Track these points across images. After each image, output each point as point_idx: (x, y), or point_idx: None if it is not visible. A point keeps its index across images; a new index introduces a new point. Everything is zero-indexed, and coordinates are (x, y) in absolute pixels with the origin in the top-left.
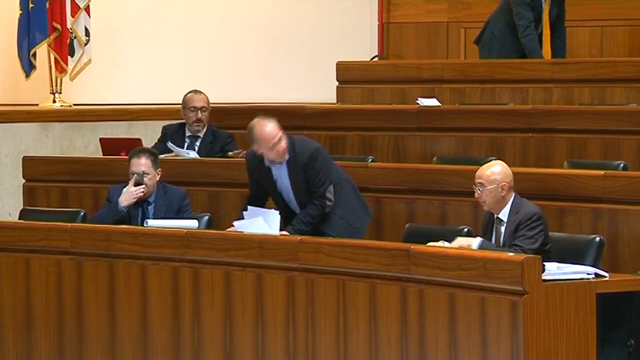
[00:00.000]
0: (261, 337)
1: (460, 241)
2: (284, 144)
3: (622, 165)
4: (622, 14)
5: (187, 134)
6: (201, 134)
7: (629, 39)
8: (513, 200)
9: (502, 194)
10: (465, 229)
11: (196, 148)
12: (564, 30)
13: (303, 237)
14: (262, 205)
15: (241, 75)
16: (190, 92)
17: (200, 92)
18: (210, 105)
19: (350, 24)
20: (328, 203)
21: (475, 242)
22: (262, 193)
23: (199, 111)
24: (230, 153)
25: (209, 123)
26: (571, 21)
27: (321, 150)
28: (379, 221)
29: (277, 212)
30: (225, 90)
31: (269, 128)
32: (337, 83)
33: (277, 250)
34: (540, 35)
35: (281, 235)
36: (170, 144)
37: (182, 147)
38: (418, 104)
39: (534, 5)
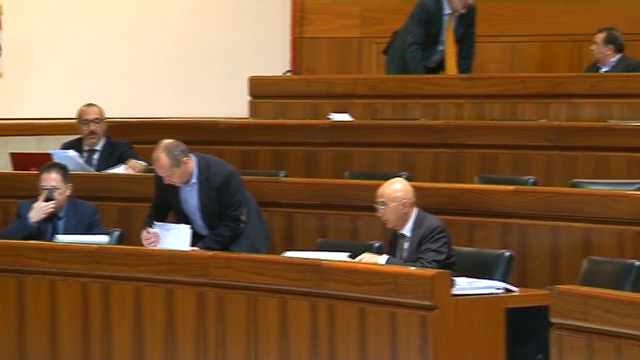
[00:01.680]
0: (172, 353)
1: (366, 258)
2: (185, 168)
3: (531, 180)
4: (532, 30)
5: (85, 148)
6: (98, 147)
7: (539, 55)
8: (416, 215)
9: (404, 211)
10: (377, 244)
11: (94, 162)
12: (470, 50)
13: (213, 252)
14: (165, 214)
15: (153, 89)
16: (83, 105)
17: (93, 104)
18: (123, 120)
19: (263, 38)
20: (241, 225)
21: (381, 259)
22: (167, 205)
23: (92, 123)
24: (129, 163)
25: (106, 134)
26: (482, 37)
27: (235, 174)
28: (291, 236)
29: (188, 227)
30: (136, 105)
31: (161, 159)
32: (250, 98)
33: (187, 266)
34: (441, 53)
35: (192, 250)
36: (72, 153)
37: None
38: (330, 119)
39: (431, 23)
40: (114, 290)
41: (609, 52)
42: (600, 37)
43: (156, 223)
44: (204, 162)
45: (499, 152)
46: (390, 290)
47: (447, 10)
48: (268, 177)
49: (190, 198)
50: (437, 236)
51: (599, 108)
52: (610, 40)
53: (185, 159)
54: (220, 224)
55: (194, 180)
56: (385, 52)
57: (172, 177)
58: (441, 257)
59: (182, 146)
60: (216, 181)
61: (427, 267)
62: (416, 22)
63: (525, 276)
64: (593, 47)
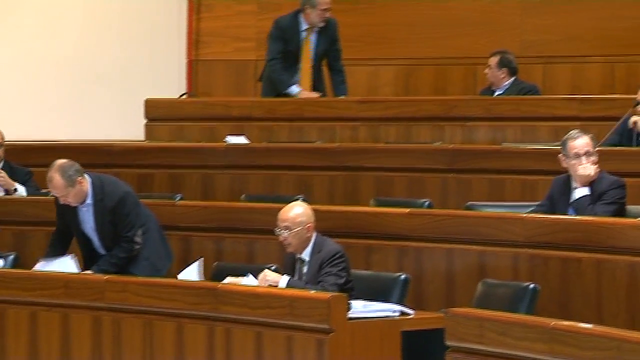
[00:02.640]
0: None
1: (267, 274)
2: (80, 188)
3: (427, 203)
4: (427, 53)
5: None
6: None
7: (434, 78)
8: (315, 239)
9: (308, 235)
10: (273, 267)
11: None
12: (341, 68)
13: (110, 276)
14: (68, 239)
15: (47, 112)
16: None
17: None
18: (15, 142)
19: (159, 61)
20: (136, 247)
21: (282, 280)
22: (68, 229)
23: None
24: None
25: (7, 159)
26: (376, 59)
27: (130, 194)
28: (187, 260)
29: (70, 257)
30: (32, 128)
31: (55, 180)
32: (146, 120)
33: (83, 290)
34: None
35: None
36: None
37: None
38: (226, 141)
39: (288, 40)
40: (9, 315)
41: (503, 76)
42: (494, 60)
43: (40, 260)
44: (99, 182)
45: (394, 174)
46: (287, 314)
47: (304, 25)
48: (164, 200)
49: (87, 219)
50: (336, 260)
51: (493, 131)
52: (504, 64)
53: (79, 178)
54: (116, 245)
55: (89, 200)
56: (260, 78)
57: (67, 198)
58: (341, 280)
59: (77, 166)
60: (110, 202)
61: (329, 291)
62: (272, 40)
63: (421, 299)
64: (487, 71)
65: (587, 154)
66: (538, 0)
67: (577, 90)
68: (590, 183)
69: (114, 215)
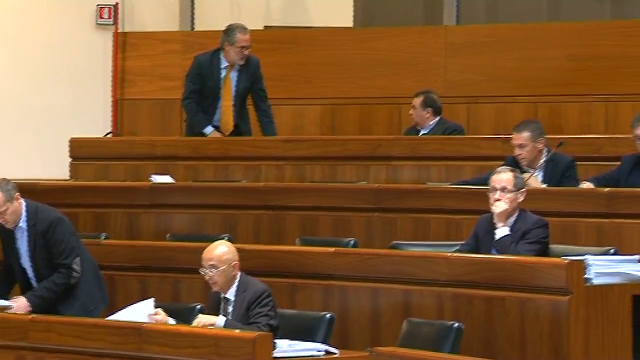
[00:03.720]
0: None
1: (201, 318)
2: (17, 205)
3: (352, 242)
4: (352, 93)
5: None
6: None
7: (359, 117)
8: (240, 278)
9: (233, 273)
10: (198, 306)
11: None
12: (267, 108)
13: (34, 315)
14: (14, 279)
15: None
16: None
17: None
18: None
19: (84, 99)
20: (74, 274)
21: (219, 320)
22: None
23: None
24: None
25: None
26: (302, 99)
27: (63, 221)
28: (112, 299)
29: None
30: None
31: None
32: (71, 159)
33: (6, 329)
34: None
35: (18, 301)
36: None
37: None
38: (152, 180)
39: (207, 77)
40: None
41: (427, 115)
42: (418, 101)
43: None
44: (34, 207)
45: (319, 214)
46: (212, 353)
47: (224, 63)
48: (89, 240)
49: (22, 245)
50: (265, 300)
51: (418, 170)
52: (428, 104)
53: (17, 194)
54: (54, 272)
55: (23, 224)
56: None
57: (6, 214)
58: (273, 321)
59: (12, 183)
60: (42, 226)
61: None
62: (188, 78)
63: (346, 338)
64: (412, 112)
65: (504, 190)
66: (462, 40)
67: (501, 129)
68: (514, 221)
69: (46, 239)
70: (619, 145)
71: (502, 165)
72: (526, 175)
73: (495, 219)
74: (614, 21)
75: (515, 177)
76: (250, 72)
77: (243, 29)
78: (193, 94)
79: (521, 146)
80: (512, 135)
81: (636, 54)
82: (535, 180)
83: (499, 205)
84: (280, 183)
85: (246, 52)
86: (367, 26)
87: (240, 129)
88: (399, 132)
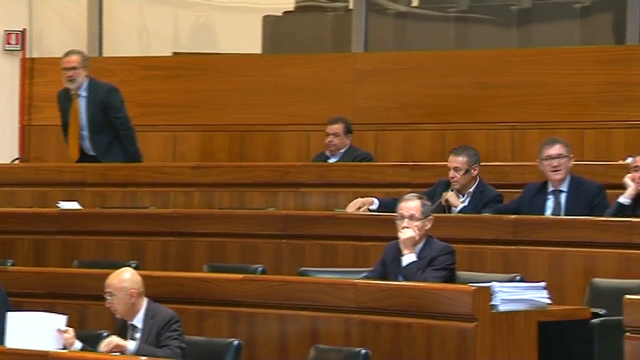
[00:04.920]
0: None
1: (113, 340)
2: None
3: (260, 269)
4: (261, 119)
5: None
6: None
7: (267, 144)
8: (146, 306)
9: (132, 301)
10: (105, 333)
11: None
12: (123, 136)
13: None
14: None
15: None
16: None
17: None
18: None
19: None
20: None
21: (130, 345)
22: None
23: None
24: None
25: None
26: (211, 125)
27: None
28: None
29: None
30: None
31: None
32: None
33: None
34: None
35: None
36: None
37: None
38: (59, 207)
39: (63, 108)
40: None
41: (348, 142)
42: (340, 127)
43: None
44: None
45: (227, 240)
46: None
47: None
48: None
49: None
50: (174, 325)
51: (326, 197)
52: (349, 130)
53: None
54: None
55: None
56: None
57: None
58: (184, 344)
59: None
60: None
61: (176, 353)
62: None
63: None
64: (332, 139)
65: (412, 217)
66: (370, 67)
67: (409, 156)
68: (421, 248)
69: None
70: (525, 172)
71: (430, 188)
72: (449, 194)
73: (402, 246)
74: (520, 49)
75: (423, 205)
76: (98, 100)
77: (68, 52)
78: (63, 127)
79: (457, 169)
80: (449, 158)
81: (542, 82)
82: (454, 196)
83: (406, 232)
84: (188, 209)
85: (70, 74)
86: (276, 53)
87: (93, 157)
88: (308, 159)
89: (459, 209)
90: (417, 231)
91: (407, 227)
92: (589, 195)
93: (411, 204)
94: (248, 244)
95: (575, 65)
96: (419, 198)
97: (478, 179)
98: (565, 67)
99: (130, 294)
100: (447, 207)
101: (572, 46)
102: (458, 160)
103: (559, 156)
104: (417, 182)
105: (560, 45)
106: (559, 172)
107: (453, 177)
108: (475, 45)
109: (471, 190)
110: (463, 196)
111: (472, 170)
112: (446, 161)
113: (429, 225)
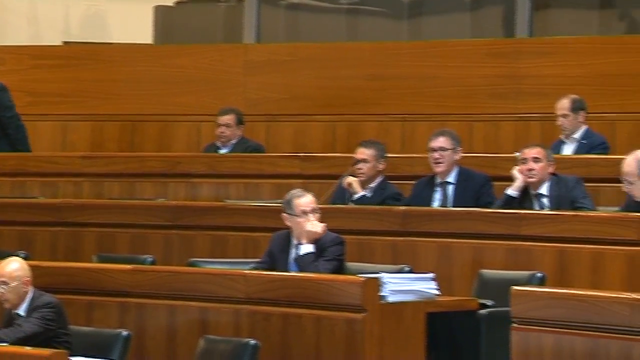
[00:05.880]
0: None
1: None
2: None
3: (150, 259)
4: (151, 109)
5: None
6: None
7: (158, 134)
8: (32, 294)
9: (25, 290)
10: None
11: None
12: (14, 136)
13: None
14: None
15: None
16: None
17: None
18: None
19: None
20: None
21: None
22: None
23: None
24: None
25: None
26: (101, 115)
27: None
28: None
29: None
30: None
31: None
32: None
33: None
34: None
35: None
36: None
37: None
38: None
39: None
40: None
41: (240, 133)
42: (232, 118)
43: None
44: None
45: (117, 231)
46: None
47: None
48: None
49: None
50: (44, 310)
51: (217, 188)
52: (240, 121)
53: None
54: None
55: None
56: None
57: None
58: (45, 327)
59: None
60: None
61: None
62: None
63: (143, 355)
64: (224, 129)
65: (314, 210)
66: (262, 58)
67: (300, 148)
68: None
69: None
70: (414, 164)
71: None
72: (352, 179)
73: (309, 239)
74: (411, 42)
75: (313, 196)
76: None
77: None
78: None
79: (364, 161)
80: (357, 149)
81: (433, 74)
82: (357, 183)
83: (317, 225)
84: (77, 199)
85: None
86: (167, 43)
87: None
88: (198, 150)
89: (358, 195)
90: (324, 225)
91: (314, 222)
92: (476, 187)
93: (309, 199)
94: (138, 235)
95: (465, 58)
96: (307, 192)
97: (382, 176)
98: (455, 59)
99: (24, 283)
100: (349, 195)
101: (462, 39)
102: (366, 152)
103: (440, 149)
104: (308, 174)
105: (450, 38)
106: (440, 164)
107: (360, 169)
108: (366, 37)
109: (373, 185)
110: (365, 189)
111: (379, 164)
112: (337, 152)
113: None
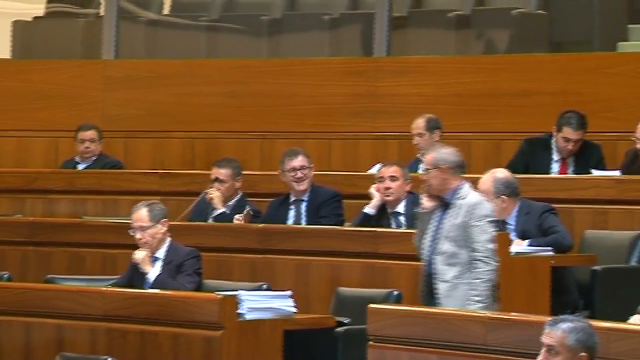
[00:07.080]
0: None
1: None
2: None
3: (6, 276)
4: (9, 125)
5: None
6: None
7: (15, 150)
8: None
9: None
10: None
11: None
12: None
13: None
14: None
15: None
16: None
17: None
18: None
19: None
20: None
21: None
22: None
23: None
24: None
25: None
26: None
27: None
28: None
29: None
30: None
31: None
32: None
33: None
34: None
35: None
36: None
37: None
38: None
39: None
40: None
41: (100, 148)
42: (94, 134)
43: None
44: None
45: None
46: None
47: None
48: None
49: None
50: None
51: (75, 204)
52: (101, 136)
53: None
54: None
55: None
56: None
57: None
58: None
59: None
60: None
61: None
62: None
63: None
64: (89, 145)
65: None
66: (120, 75)
67: (159, 164)
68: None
69: None
70: (272, 182)
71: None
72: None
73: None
74: (269, 59)
75: (151, 211)
76: None
77: None
78: None
79: (221, 181)
80: (212, 169)
81: (291, 92)
82: (220, 199)
83: (138, 254)
84: None
85: None
86: (26, 59)
87: None
88: (56, 166)
89: (219, 212)
90: (150, 239)
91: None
92: (322, 202)
93: (138, 215)
94: None
95: (324, 76)
96: (147, 205)
97: (241, 192)
98: (313, 77)
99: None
100: (211, 210)
101: (321, 57)
102: (222, 173)
103: (302, 167)
104: (166, 190)
105: (309, 56)
106: (303, 182)
107: (218, 189)
108: (225, 55)
109: (232, 202)
110: (225, 206)
111: (236, 182)
112: (196, 169)
113: (164, 229)
